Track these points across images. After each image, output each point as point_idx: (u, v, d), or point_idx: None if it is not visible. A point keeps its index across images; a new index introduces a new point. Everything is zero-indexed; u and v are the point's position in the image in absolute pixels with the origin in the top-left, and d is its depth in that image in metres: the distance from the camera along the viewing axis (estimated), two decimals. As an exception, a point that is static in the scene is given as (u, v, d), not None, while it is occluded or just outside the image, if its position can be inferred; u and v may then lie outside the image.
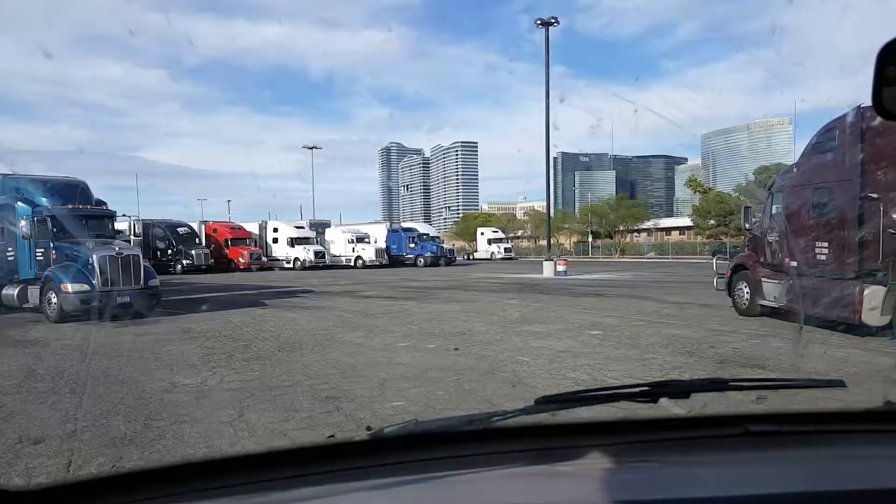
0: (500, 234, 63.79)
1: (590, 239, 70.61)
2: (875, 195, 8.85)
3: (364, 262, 41.76)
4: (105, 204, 15.71)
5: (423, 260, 43.78)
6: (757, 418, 1.34)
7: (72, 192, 14.79)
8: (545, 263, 29.71)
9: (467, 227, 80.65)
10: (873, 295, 8.83)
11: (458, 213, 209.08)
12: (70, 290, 13.03)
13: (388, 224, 51.92)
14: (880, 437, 1.33)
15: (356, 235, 43.96)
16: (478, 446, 1.20)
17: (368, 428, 1.29)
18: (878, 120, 8.80)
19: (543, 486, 1.11)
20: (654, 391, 1.37)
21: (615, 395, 1.38)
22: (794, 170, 11.34)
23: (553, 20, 31.27)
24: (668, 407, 1.38)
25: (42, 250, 13.97)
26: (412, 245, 45.12)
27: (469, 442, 1.23)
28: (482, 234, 62.94)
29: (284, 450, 1.14)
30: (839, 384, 1.59)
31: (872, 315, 8.85)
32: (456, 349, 8.95)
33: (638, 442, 1.24)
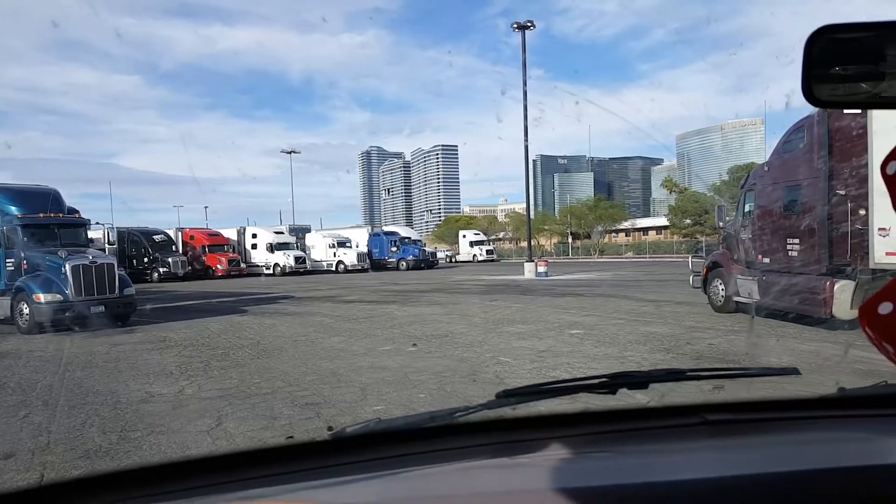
0: (482, 237, 64.05)
1: (569, 240, 71.08)
2: (843, 191, 9.03)
3: (346, 266, 41.58)
4: (77, 212, 15.48)
5: (405, 263, 43.75)
6: (714, 407, 1.36)
7: (43, 200, 14.55)
8: (526, 265, 29.88)
9: (449, 230, 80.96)
10: (843, 289, 9.01)
11: (440, 217, 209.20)
12: (42, 300, 12.81)
13: (370, 228, 51.77)
14: (835, 423, 1.36)
15: (337, 240, 43.73)
16: (440, 442, 1.21)
17: (330, 428, 1.29)
18: (845, 118, 8.99)
19: (501, 476, 1.12)
20: (613, 382, 1.39)
21: (575, 387, 1.40)
22: (765, 168, 11.53)
23: (529, 24, 31.48)
24: (628, 398, 1.40)
25: (13, 260, 13.70)
26: (394, 249, 45.07)
27: (431, 438, 1.24)
28: (464, 236, 63.16)
29: (245, 451, 1.14)
30: (793, 372, 1.63)
31: (842, 309, 9.03)
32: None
33: (597, 433, 1.26)
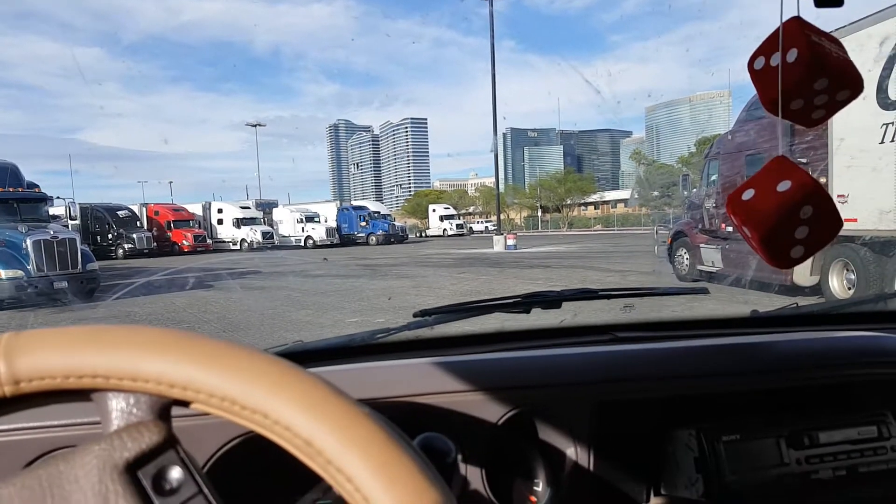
0: (452, 211, 63.90)
1: (539, 213, 71.45)
2: (804, 160, 9.20)
3: (314, 241, 41.19)
4: (37, 187, 15.12)
5: (374, 238, 43.50)
6: (625, 327, 1.41)
7: (1, 174, 14.15)
8: (495, 238, 30.00)
9: (419, 205, 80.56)
10: None
11: (410, 191, 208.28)
12: (3, 276, 12.49)
13: (339, 203, 51.23)
14: (742, 338, 1.41)
15: (305, 215, 43.24)
16: (359, 360, 1.23)
17: None
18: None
19: (414, 375, 1.15)
20: (527, 301, 1.43)
21: (490, 306, 1.43)
22: (729, 137, 11.67)
23: (497, -7, 31.21)
24: (542, 317, 1.42)
25: (-29, 236, 13.36)
26: (363, 223, 44.73)
27: (351, 357, 1.26)
28: (434, 210, 62.92)
29: None
30: (702, 291, 1.68)
31: (803, 276, 9.27)
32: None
33: (512, 349, 1.29)
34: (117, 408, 0.45)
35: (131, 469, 0.42)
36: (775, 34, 0.98)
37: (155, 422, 0.44)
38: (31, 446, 0.94)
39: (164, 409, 0.45)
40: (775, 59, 1.00)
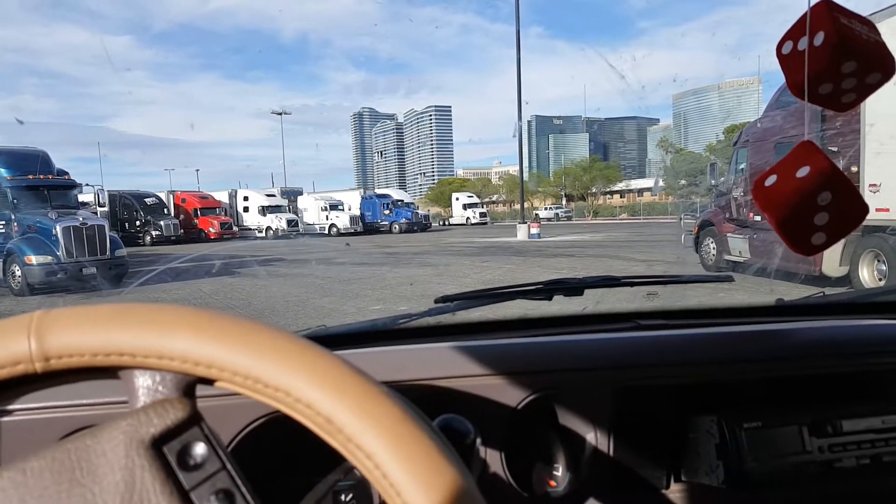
0: (475, 199, 63.65)
1: (563, 202, 70.93)
2: (834, 148, 9.01)
3: (338, 229, 41.38)
4: (67, 174, 15.38)
5: (397, 226, 43.54)
6: (648, 314, 1.39)
7: (31, 162, 14.40)
8: (519, 226, 29.89)
9: (442, 193, 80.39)
10: (832, 246, 9.04)
11: (433, 179, 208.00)
12: (34, 262, 12.78)
13: (363, 191, 51.35)
14: (766, 325, 1.39)
15: (329, 203, 43.43)
16: (381, 345, 1.23)
17: None
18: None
19: (434, 358, 1.15)
20: (549, 288, 1.42)
21: (512, 293, 1.42)
22: (758, 125, 11.46)
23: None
24: (564, 304, 1.40)
25: (3, 222, 13.66)
26: (387, 212, 44.79)
27: (372, 342, 1.26)
28: (457, 199, 62.70)
29: None
30: (727, 279, 1.66)
31: (832, 266, 9.09)
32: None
33: (534, 336, 1.29)
34: (143, 385, 0.46)
35: (157, 444, 0.43)
36: (804, 18, 0.97)
37: (180, 399, 0.45)
38: (61, 423, 0.96)
39: (189, 386, 0.46)
40: (803, 43, 0.99)
